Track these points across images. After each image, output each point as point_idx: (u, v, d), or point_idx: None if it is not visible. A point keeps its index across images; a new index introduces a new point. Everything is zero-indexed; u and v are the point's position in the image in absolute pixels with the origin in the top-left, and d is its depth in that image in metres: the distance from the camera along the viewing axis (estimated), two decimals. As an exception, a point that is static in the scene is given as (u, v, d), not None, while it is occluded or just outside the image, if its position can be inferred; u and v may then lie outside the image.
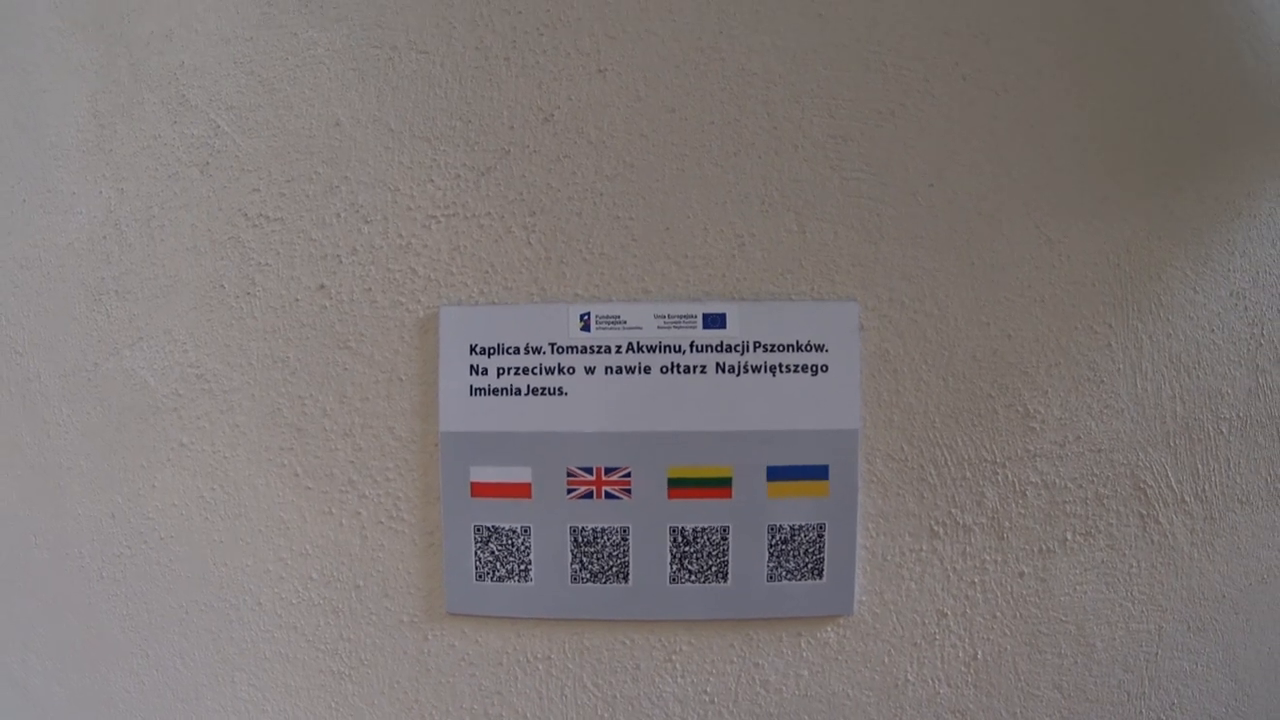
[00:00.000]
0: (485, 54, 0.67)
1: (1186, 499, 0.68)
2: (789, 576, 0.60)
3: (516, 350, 0.61)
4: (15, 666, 0.73)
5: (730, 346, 0.59)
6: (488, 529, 0.62)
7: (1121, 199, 0.65)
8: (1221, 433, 0.68)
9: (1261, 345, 0.68)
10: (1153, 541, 0.68)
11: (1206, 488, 0.68)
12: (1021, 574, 0.66)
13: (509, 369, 0.61)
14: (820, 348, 0.59)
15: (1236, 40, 0.66)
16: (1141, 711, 0.68)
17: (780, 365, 0.59)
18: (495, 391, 0.61)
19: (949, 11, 0.65)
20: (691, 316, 0.60)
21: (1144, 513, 0.68)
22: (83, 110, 0.75)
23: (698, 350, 0.59)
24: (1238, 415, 0.68)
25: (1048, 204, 0.65)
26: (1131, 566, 0.68)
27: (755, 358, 0.59)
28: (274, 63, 0.71)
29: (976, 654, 0.66)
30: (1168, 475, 0.68)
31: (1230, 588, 0.69)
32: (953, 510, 0.64)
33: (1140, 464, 0.67)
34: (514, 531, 0.61)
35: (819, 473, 0.59)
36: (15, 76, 0.77)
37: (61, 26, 0.76)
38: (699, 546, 0.60)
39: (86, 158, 0.74)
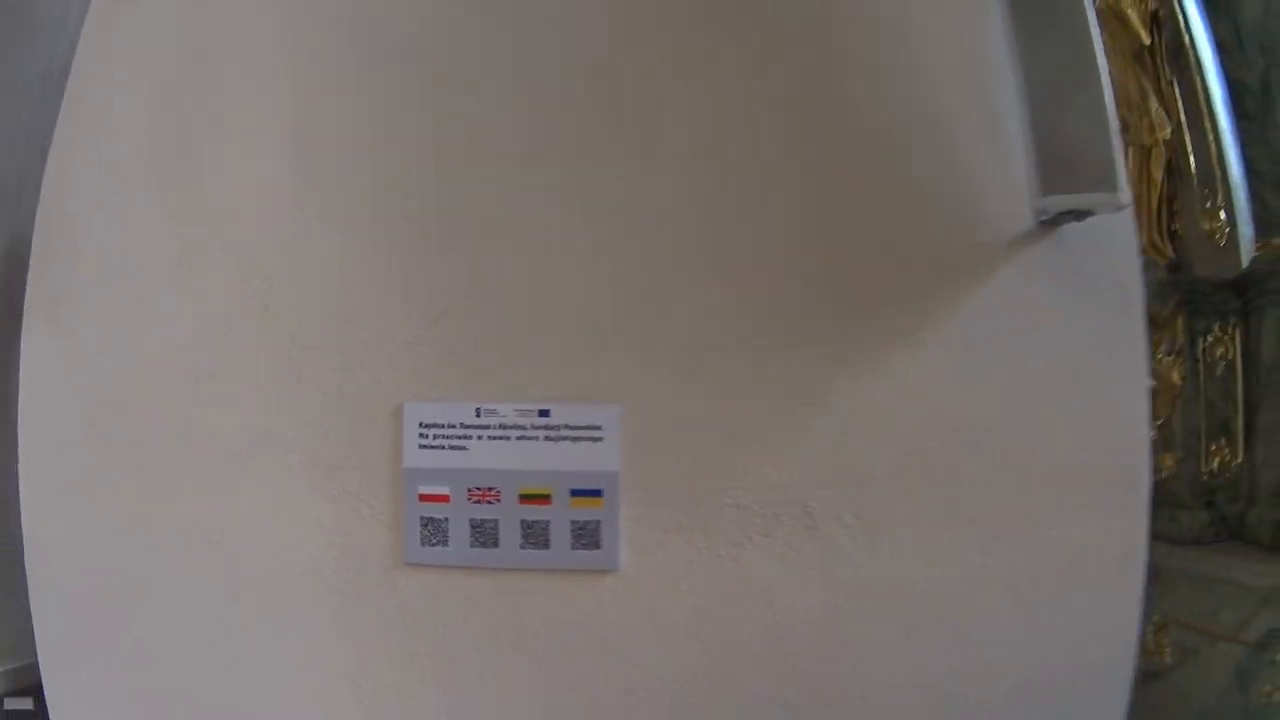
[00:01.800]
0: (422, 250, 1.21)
1: (845, 518, 1.19)
2: (583, 548, 1.14)
3: (443, 426, 1.15)
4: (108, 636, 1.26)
5: (552, 427, 1.13)
6: (426, 518, 1.16)
7: (819, 323, 1.17)
8: (878, 478, 1.18)
9: (926, 423, 1.18)
10: (820, 544, 1.18)
11: (864, 512, 1.18)
12: (721, 556, 1.18)
13: (440, 435, 1.15)
14: (598, 428, 1.13)
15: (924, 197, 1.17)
16: (829, 671, 1.19)
17: (577, 437, 1.13)
18: (432, 447, 1.15)
19: (707, 191, 1.17)
20: (532, 411, 1.14)
21: (810, 525, 1.19)
22: (170, 249, 1.27)
23: (534, 428, 1.13)
24: (890, 466, 1.17)
25: (762, 334, 1.17)
26: (804, 558, 1.17)
27: (565, 433, 1.13)
28: (305, 249, 1.24)
29: (696, 603, 1.19)
30: (830, 502, 1.19)
31: (900, 579, 1.14)
32: (677, 516, 1.17)
33: (808, 496, 1.18)
34: (441, 520, 1.16)
35: (598, 494, 1.13)
36: (114, 207, 1.30)
37: (149, 182, 1.29)
38: (535, 530, 1.14)
39: (174, 283, 1.26)
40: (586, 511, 1.14)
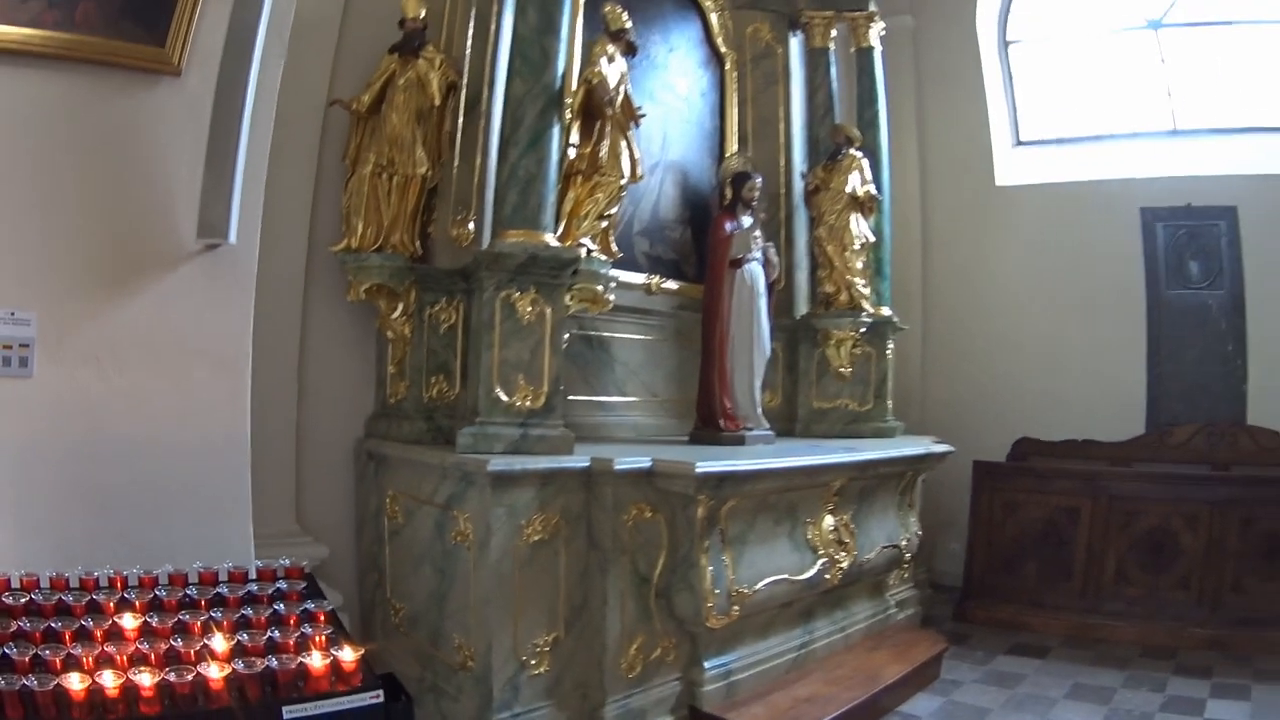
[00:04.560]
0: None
1: (104, 368, 2.83)
2: (22, 366, 2.84)
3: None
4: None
5: (15, 318, 2.86)
6: (-22, 356, 2.91)
7: (99, 280, 2.84)
8: (122, 348, 2.83)
9: (133, 328, 2.82)
10: (93, 373, 2.83)
11: (111, 363, 2.83)
12: (66, 373, 2.83)
13: (-15, 322, 2.91)
14: (29, 320, 2.84)
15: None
16: (102, 420, 2.84)
17: (27, 323, 2.84)
18: (-18, 327, 2.92)
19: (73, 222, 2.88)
20: (12, 312, 2.87)
21: (98, 366, 2.83)
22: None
23: (10, 319, 2.86)
24: (129, 342, 2.84)
25: (85, 285, 2.85)
26: (91, 380, 2.85)
27: (19, 321, 2.85)
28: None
29: (59, 390, 2.83)
30: (102, 361, 2.83)
31: (125, 393, 2.83)
32: (55, 353, 2.83)
33: (98, 353, 2.83)
34: (-17, 357, 2.91)
35: (28, 346, 2.83)
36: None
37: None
38: (11, 359, 2.86)
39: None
40: (25, 352, 2.85)
